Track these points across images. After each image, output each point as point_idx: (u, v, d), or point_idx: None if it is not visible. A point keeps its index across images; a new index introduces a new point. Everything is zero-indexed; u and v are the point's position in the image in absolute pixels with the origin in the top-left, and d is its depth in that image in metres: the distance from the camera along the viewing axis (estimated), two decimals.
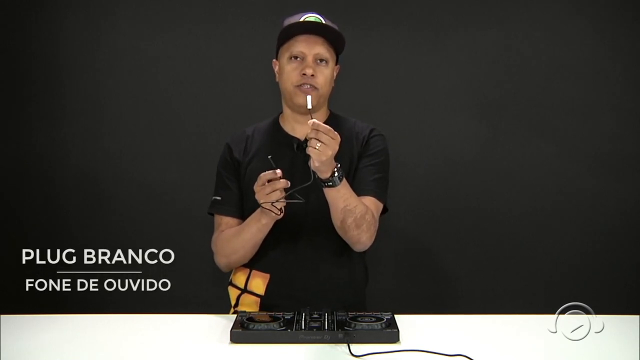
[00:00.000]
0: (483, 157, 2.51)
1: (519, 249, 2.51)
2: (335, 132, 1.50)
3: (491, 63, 2.50)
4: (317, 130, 1.48)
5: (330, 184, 1.59)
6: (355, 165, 1.78)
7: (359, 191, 1.72)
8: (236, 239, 1.73)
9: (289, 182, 1.56)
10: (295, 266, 1.73)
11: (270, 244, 1.73)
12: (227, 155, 1.82)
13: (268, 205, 1.58)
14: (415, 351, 1.36)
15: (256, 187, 1.58)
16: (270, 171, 1.55)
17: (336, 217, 1.66)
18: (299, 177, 1.68)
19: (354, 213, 1.65)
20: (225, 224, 1.80)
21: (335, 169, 1.57)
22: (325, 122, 1.78)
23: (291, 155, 1.75)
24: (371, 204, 1.73)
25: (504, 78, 2.51)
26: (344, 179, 1.61)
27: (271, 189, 1.54)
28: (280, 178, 1.55)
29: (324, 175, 1.57)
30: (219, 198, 1.81)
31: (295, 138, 1.78)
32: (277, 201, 1.57)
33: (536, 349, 1.41)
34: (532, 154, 2.50)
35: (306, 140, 1.68)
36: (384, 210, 1.81)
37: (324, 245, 1.73)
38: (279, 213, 1.60)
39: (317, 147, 1.48)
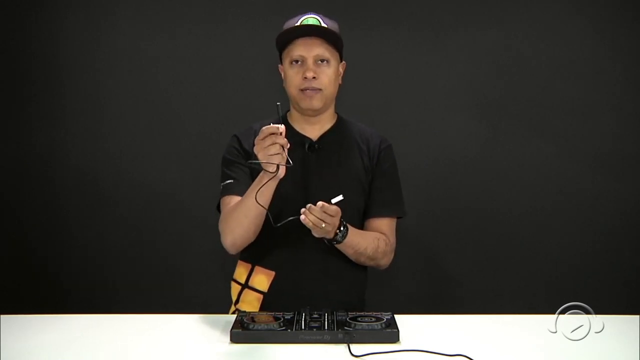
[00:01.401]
0: (483, 157, 2.51)
1: (519, 249, 2.51)
2: (335, 208, 1.55)
3: (491, 63, 2.50)
4: (315, 214, 1.53)
5: (335, 242, 1.65)
6: (370, 177, 1.79)
7: (376, 213, 1.78)
8: (239, 209, 1.67)
9: (289, 144, 1.51)
10: (301, 265, 1.72)
11: (276, 243, 1.72)
12: (237, 145, 1.79)
13: (269, 159, 1.51)
14: (415, 351, 1.36)
15: (257, 140, 1.53)
16: (274, 125, 1.50)
17: (349, 257, 1.73)
18: (310, 177, 1.68)
19: (366, 253, 1.72)
20: (235, 201, 1.73)
21: (340, 227, 1.62)
22: (333, 127, 1.82)
23: (303, 153, 1.75)
24: (387, 226, 1.79)
25: (504, 78, 2.51)
26: (349, 230, 1.65)
27: (271, 142, 1.49)
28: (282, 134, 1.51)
29: (328, 236, 1.62)
30: (230, 181, 1.75)
31: (307, 138, 1.78)
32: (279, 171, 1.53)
33: (536, 349, 1.41)
34: (532, 154, 2.50)
35: (318, 141, 1.69)
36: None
37: (330, 247, 1.72)
38: (274, 170, 1.52)
39: (321, 227, 1.54)
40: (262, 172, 1.57)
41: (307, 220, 1.54)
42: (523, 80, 2.50)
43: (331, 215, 1.55)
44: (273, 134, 1.48)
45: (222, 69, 2.52)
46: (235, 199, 1.72)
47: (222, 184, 1.77)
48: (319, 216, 1.53)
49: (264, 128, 1.51)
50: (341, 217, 1.61)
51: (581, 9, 2.48)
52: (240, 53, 2.51)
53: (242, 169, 1.76)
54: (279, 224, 1.58)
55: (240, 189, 1.71)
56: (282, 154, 1.50)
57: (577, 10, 2.48)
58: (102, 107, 2.54)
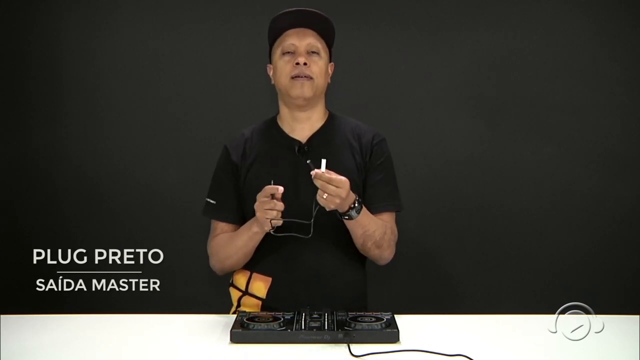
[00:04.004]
0: (483, 157, 2.51)
1: (519, 249, 2.51)
2: (341, 178, 1.53)
3: (491, 63, 2.50)
4: (320, 180, 1.52)
5: (347, 217, 1.62)
6: (364, 175, 1.77)
7: (375, 208, 1.74)
8: (229, 245, 1.73)
9: (283, 206, 1.57)
10: (297, 270, 1.71)
11: (271, 247, 1.71)
12: (225, 159, 1.81)
13: (265, 220, 1.58)
14: (415, 351, 1.36)
15: (259, 197, 1.58)
16: (275, 186, 1.56)
17: (357, 241, 1.71)
18: (302, 181, 1.68)
19: (374, 236, 1.69)
20: (220, 229, 1.79)
21: (354, 203, 1.60)
22: (323, 126, 1.80)
23: (293, 158, 1.74)
24: (389, 219, 1.77)
25: (504, 78, 2.50)
26: (362, 208, 1.63)
27: (270, 207, 1.56)
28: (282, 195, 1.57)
29: (341, 210, 1.60)
30: (213, 202, 1.80)
31: (296, 140, 1.77)
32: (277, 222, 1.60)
33: (536, 349, 1.41)
34: (532, 154, 2.50)
35: (308, 143, 1.70)
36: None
37: (326, 249, 1.72)
38: (272, 229, 1.60)
39: (324, 197, 1.53)
40: (254, 220, 1.62)
41: (317, 180, 1.53)
42: (523, 80, 2.50)
43: (336, 187, 1.52)
44: (273, 195, 1.55)
45: (221, 69, 2.52)
46: (221, 225, 1.79)
47: (208, 199, 1.81)
48: (318, 186, 1.52)
49: (266, 187, 1.57)
50: (356, 194, 1.60)
51: (581, 9, 2.48)
52: (239, 53, 2.50)
53: (227, 190, 1.79)
54: (279, 234, 1.61)
55: (225, 215, 1.78)
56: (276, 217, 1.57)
57: (577, 10, 2.48)
58: (102, 107, 2.53)
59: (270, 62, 1.81)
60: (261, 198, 1.57)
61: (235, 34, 2.51)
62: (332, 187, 1.52)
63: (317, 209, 1.58)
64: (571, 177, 2.50)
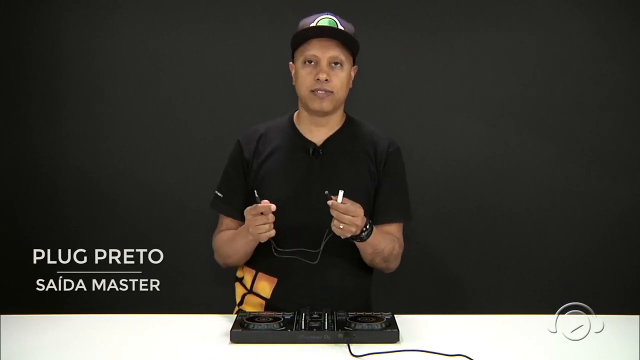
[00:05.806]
0: (483, 157, 2.51)
1: (519, 249, 2.51)
2: (357, 207, 1.54)
3: (491, 63, 2.50)
4: (337, 210, 1.52)
5: (359, 240, 1.62)
6: (376, 183, 1.76)
7: (384, 218, 1.74)
8: (229, 245, 1.74)
9: (274, 218, 1.57)
10: (303, 273, 1.69)
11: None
12: (237, 154, 1.79)
13: (257, 235, 1.59)
14: (415, 351, 1.36)
15: (247, 213, 1.59)
16: (267, 205, 1.55)
17: (365, 258, 1.71)
18: (314, 183, 1.68)
19: (382, 253, 1.69)
20: (226, 225, 1.79)
21: (366, 225, 1.59)
22: (340, 130, 1.79)
23: (307, 159, 1.74)
24: (397, 231, 1.77)
25: (504, 78, 2.50)
26: (373, 229, 1.63)
27: (262, 222, 1.56)
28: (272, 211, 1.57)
29: (353, 234, 1.60)
30: (220, 195, 1.79)
31: (312, 142, 1.76)
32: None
33: (536, 349, 1.41)
34: (532, 154, 2.50)
35: (323, 146, 1.72)
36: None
37: (332, 252, 1.70)
38: (267, 241, 1.61)
39: (340, 227, 1.54)
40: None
41: (333, 210, 1.54)
42: (523, 80, 2.50)
43: (352, 216, 1.53)
44: (262, 213, 1.55)
45: (222, 69, 2.52)
46: (226, 221, 1.79)
47: (216, 192, 1.81)
48: (334, 216, 1.53)
49: (257, 205, 1.56)
50: (367, 217, 1.60)
51: (581, 9, 2.48)
52: (240, 53, 2.50)
53: (235, 185, 1.78)
54: (281, 254, 1.65)
55: (230, 211, 1.78)
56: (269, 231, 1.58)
57: (577, 10, 2.48)
58: (102, 107, 2.53)
59: (293, 61, 1.77)
60: (250, 214, 1.58)
61: (235, 34, 2.51)
62: (348, 217, 1.53)
63: (328, 237, 1.60)
64: (571, 177, 2.50)
